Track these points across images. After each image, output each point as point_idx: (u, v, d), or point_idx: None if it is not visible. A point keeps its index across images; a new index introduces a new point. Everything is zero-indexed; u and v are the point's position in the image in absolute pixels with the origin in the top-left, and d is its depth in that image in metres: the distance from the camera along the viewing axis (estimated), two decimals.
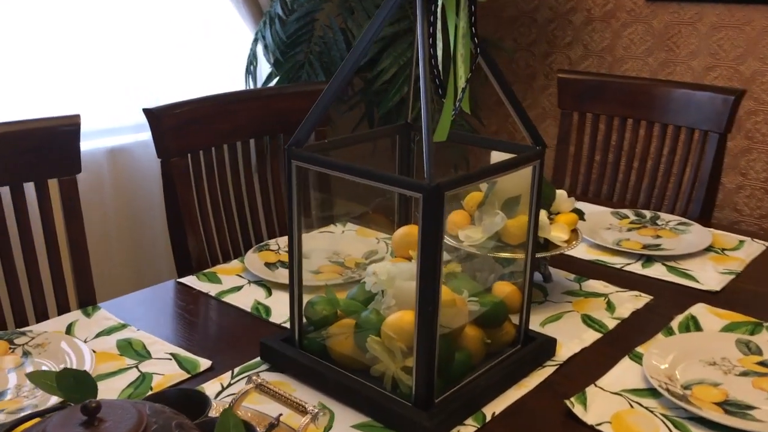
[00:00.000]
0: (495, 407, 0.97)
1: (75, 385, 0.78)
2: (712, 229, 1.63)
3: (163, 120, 1.41)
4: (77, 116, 1.26)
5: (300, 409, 0.85)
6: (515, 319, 1.10)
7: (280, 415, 0.85)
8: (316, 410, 0.84)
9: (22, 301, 1.28)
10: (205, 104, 1.51)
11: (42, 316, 1.29)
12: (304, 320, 1.06)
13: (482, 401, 0.97)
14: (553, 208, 1.34)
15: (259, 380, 0.91)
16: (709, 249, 1.53)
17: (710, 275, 1.41)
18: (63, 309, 1.31)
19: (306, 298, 1.06)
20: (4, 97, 2.10)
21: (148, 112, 1.40)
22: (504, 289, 1.10)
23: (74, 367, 1.02)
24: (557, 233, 1.27)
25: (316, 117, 0.96)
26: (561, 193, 1.34)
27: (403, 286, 0.98)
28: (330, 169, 0.94)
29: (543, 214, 1.27)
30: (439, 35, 0.91)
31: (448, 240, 1.27)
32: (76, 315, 1.22)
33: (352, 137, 1.05)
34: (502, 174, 0.93)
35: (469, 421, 0.94)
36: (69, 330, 1.17)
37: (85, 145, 2.31)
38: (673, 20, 2.64)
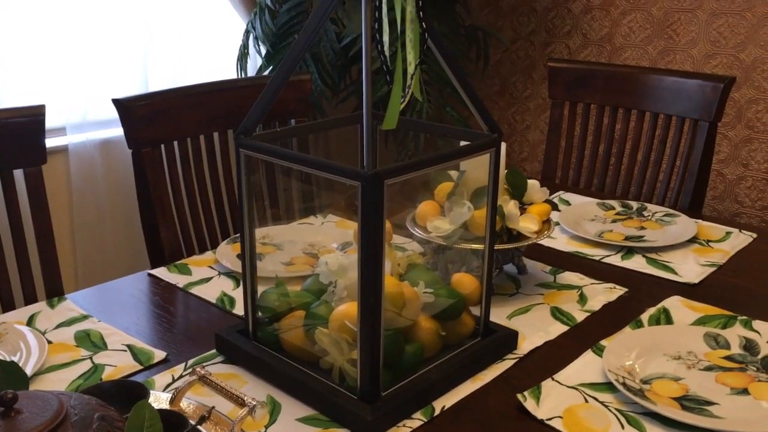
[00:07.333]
0: (446, 401, 0.95)
1: (3, 376, 0.77)
2: (699, 221, 1.59)
3: (132, 110, 1.40)
4: (42, 107, 1.26)
5: (239, 401, 0.84)
6: (476, 311, 1.07)
7: (212, 407, 0.83)
8: (254, 403, 0.83)
9: None
10: (176, 95, 1.49)
11: (8, 306, 1.28)
12: (259, 312, 1.04)
13: (433, 395, 0.95)
14: (526, 198, 1.32)
15: (202, 372, 0.89)
16: (693, 240, 1.49)
17: (690, 267, 1.37)
18: (30, 299, 1.31)
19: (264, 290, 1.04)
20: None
21: (118, 103, 1.39)
22: (463, 280, 1.07)
23: (25, 357, 1.02)
24: (526, 224, 1.24)
25: (264, 106, 0.94)
26: (533, 184, 1.32)
27: (354, 277, 0.96)
28: (276, 158, 0.92)
29: (513, 204, 1.25)
30: (385, 20, 0.89)
31: (415, 231, 1.26)
32: (40, 306, 1.22)
33: (309, 126, 1.03)
34: (451, 162, 0.91)
35: (417, 415, 0.92)
36: (30, 321, 1.16)
37: (79, 137, 2.33)
38: (673, 7, 2.58)
